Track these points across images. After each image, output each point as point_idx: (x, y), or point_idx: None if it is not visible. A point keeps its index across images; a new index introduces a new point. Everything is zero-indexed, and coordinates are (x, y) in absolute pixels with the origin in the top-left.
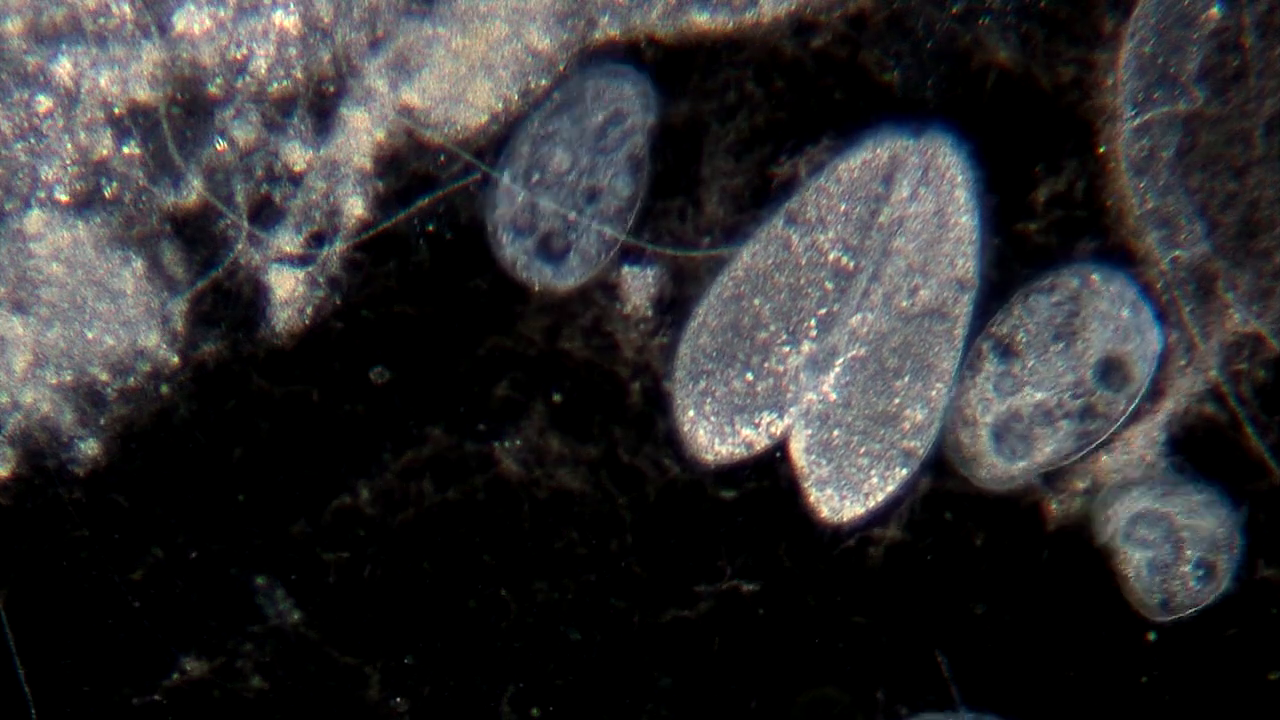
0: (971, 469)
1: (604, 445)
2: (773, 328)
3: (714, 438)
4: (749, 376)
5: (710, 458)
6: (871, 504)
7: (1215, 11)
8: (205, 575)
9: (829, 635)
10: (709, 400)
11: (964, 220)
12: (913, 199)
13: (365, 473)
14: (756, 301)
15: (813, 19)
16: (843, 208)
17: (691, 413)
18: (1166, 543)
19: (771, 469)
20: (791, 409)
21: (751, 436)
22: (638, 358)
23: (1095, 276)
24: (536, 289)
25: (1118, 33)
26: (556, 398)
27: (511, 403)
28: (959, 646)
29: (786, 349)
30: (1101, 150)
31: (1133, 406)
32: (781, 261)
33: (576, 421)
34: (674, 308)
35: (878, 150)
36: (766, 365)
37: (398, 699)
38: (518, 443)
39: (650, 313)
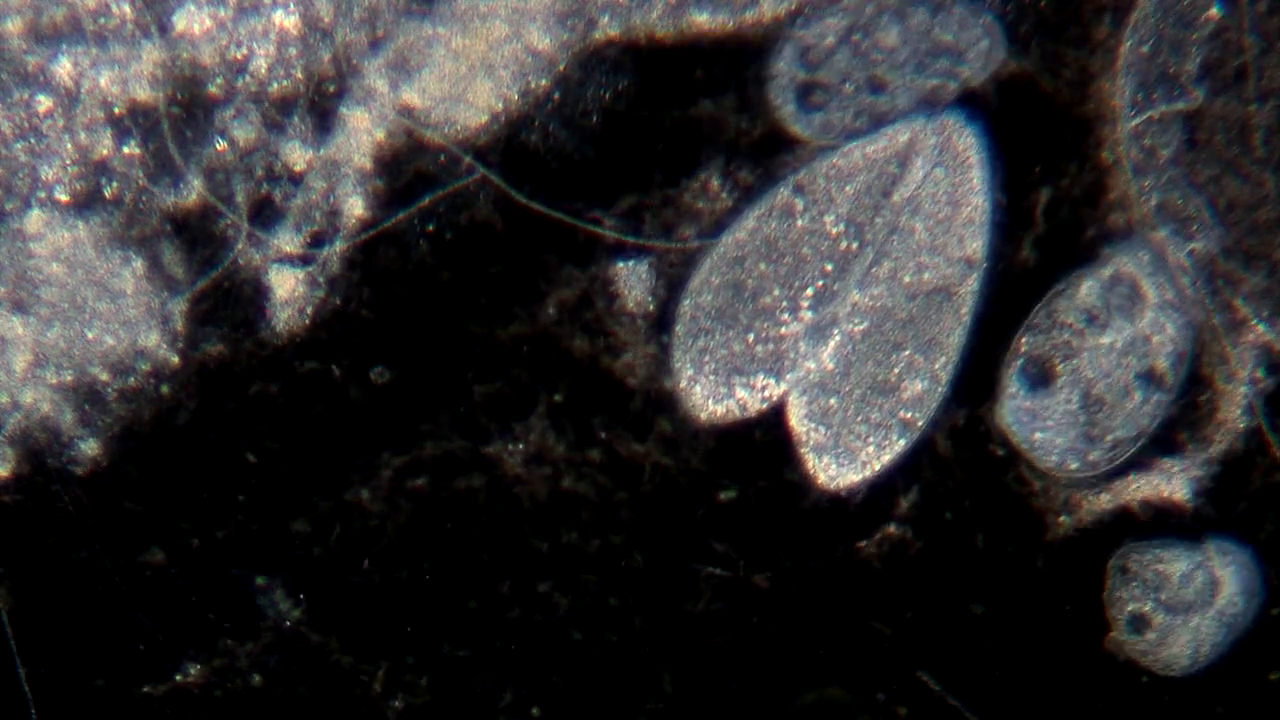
0: None
1: (605, 445)
2: (776, 293)
3: (709, 398)
4: (750, 338)
5: (705, 417)
6: (868, 473)
7: (1215, 11)
8: (205, 575)
9: (829, 636)
10: (707, 359)
11: (976, 200)
12: (927, 179)
13: (365, 472)
14: (762, 266)
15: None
16: (849, 189)
17: (690, 371)
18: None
19: (772, 469)
20: (789, 375)
21: (747, 398)
22: (638, 356)
23: None
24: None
25: (1117, 33)
26: (557, 398)
27: (512, 402)
28: (957, 646)
29: (787, 315)
30: (1106, 155)
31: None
32: (786, 228)
33: (577, 421)
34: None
35: (895, 133)
36: (767, 329)
37: (398, 699)
38: (520, 446)
39: (651, 308)
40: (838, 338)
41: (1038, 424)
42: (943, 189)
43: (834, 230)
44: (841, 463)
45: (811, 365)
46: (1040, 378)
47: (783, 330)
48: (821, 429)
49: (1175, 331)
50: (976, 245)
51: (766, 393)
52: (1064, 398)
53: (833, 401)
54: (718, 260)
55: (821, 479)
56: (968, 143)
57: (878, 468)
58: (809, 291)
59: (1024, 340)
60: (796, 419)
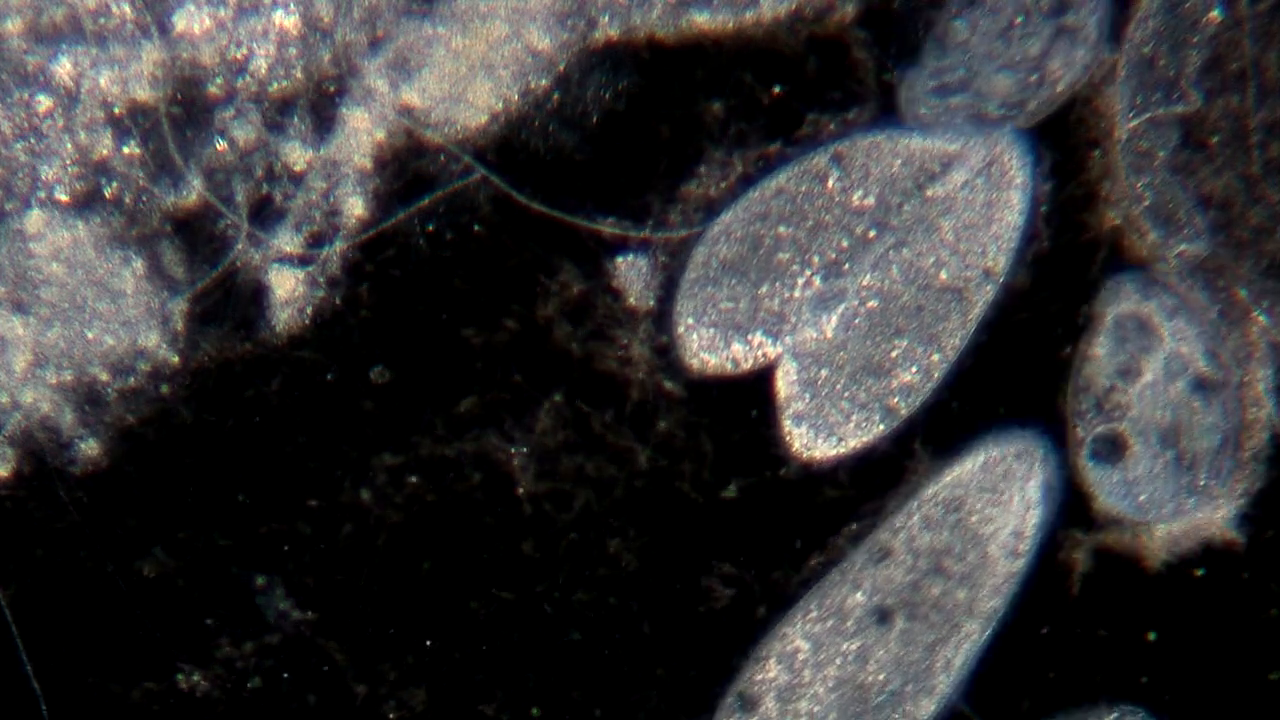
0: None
1: (606, 444)
2: (790, 254)
3: (705, 348)
4: (763, 290)
5: (697, 365)
6: (843, 450)
7: (1215, 14)
8: (205, 575)
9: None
10: (710, 309)
11: (1010, 219)
12: (966, 186)
13: (365, 473)
14: (782, 228)
15: (813, 18)
16: (892, 164)
17: (690, 319)
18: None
19: (774, 468)
20: (787, 338)
21: (740, 354)
22: (640, 355)
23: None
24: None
25: (1118, 34)
26: (558, 398)
27: (513, 402)
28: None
29: (798, 280)
30: (1096, 153)
31: None
32: (813, 193)
33: (578, 421)
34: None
35: (946, 141)
36: (775, 289)
37: (398, 698)
38: (520, 446)
39: (652, 304)
40: (842, 310)
41: (1138, 489)
42: (980, 198)
43: (862, 203)
44: (819, 435)
45: (812, 333)
46: (1113, 450)
47: (791, 294)
48: (806, 397)
49: (1194, 332)
50: (1001, 261)
51: (761, 352)
52: (1145, 451)
53: (824, 373)
54: (741, 213)
55: (795, 447)
56: (1017, 163)
57: (853, 446)
58: (816, 261)
59: (1077, 428)
60: (784, 383)
